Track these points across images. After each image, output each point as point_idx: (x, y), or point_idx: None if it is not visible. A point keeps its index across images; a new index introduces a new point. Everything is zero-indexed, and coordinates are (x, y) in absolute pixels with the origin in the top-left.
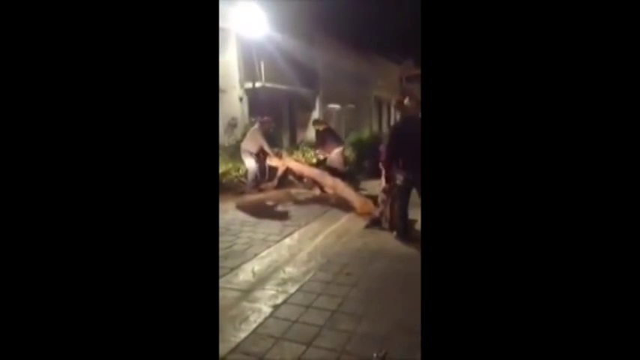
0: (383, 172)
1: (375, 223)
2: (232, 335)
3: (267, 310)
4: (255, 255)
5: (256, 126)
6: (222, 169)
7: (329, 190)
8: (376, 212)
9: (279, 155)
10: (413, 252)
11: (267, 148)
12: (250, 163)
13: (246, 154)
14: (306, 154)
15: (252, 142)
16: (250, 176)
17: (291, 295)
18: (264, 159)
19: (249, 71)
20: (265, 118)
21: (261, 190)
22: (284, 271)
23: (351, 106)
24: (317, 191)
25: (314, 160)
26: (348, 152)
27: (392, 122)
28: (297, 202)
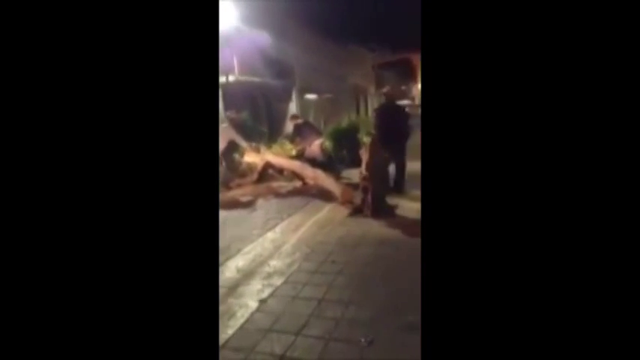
0: (363, 160)
1: (357, 211)
2: (221, 332)
3: (253, 304)
4: (239, 251)
5: (225, 124)
6: None
7: (310, 182)
8: (358, 200)
9: (256, 150)
10: (396, 236)
11: (241, 142)
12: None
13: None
14: (284, 147)
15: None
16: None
17: (278, 287)
18: (232, 155)
19: (222, 65)
20: (229, 112)
21: (230, 188)
22: (269, 265)
23: (328, 95)
24: (298, 183)
25: (293, 152)
26: (327, 142)
27: (369, 110)
28: (279, 194)
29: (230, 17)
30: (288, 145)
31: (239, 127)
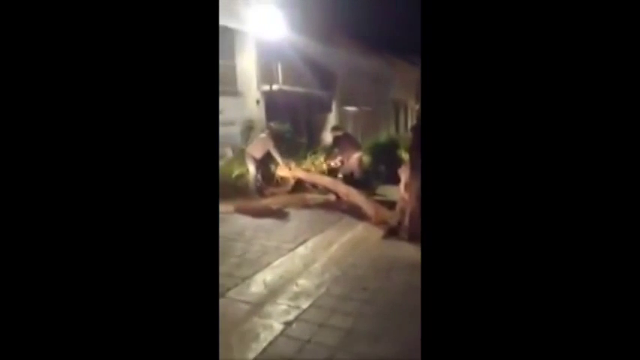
0: (402, 179)
1: (392, 233)
2: (242, 355)
3: (278, 327)
4: (268, 264)
5: (264, 133)
6: (237, 171)
7: (343, 197)
8: (393, 221)
9: (288, 166)
10: None
11: (276, 155)
12: (252, 169)
13: (249, 158)
14: (315, 162)
15: (257, 148)
16: (251, 181)
17: (304, 311)
18: (268, 165)
19: (266, 74)
20: (272, 123)
21: (264, 196)
22: (297, 284)
23: (368, 108)
24: (332, 196)
25: (324, 167)
26: (365, 157)
27: (409, 125)
28: (311, 206)
29: (278, 27)
30: (320, 160)
31: (278, 138)
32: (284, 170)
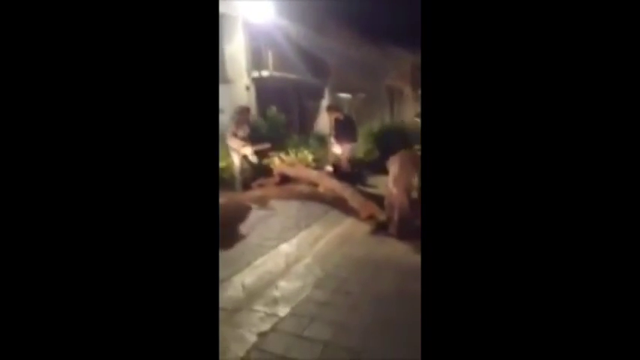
0: (390, 171)
1: (380, 229)
2: None
3: (251, 338)
4: (248, 264)
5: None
6: (223, 163)
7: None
8: (382, 216)
9: (274, 158)
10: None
11: (260, 147)
12: (235, 161)
13: (233, 150)
14: (299, 155)
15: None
16: (236, 174)
17: (281, 319)
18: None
19: (256, 60)
20: (239, 107)
21: (250, 188)
22: (277, 287)
23: (362, 95)
24: (320, 188)
25: (310, 160)
26: (358, 147)
27: (403, 113)
28: (299, 198)
29: (267, 12)
30: (304, 153)
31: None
32: (271, 162)
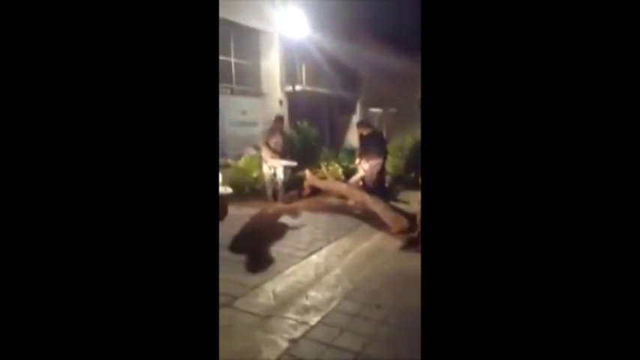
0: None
1: (412, 244)
2: None
3: (283, 344)
4: (279, 272)
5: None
6: (255, 173)
7: (358, 205)
8: (413, 232)
9: (306, 172)
10: None
11: (290, 162)
12: (267, 172)
13: (264, 162)
14: (330, 168)
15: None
16: (267, 186)
17: (312, 327)
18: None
19: (290, 74)
20: (297, 126)
21: (279, 199)
22: (307, 296)
23: (393, 110)
24: (350, 201)
25: (339, 172)
26: (388, 162)
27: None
28: (328, 211)
29: (303, 26)
30: (335, 166)
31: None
32: (302, 174)
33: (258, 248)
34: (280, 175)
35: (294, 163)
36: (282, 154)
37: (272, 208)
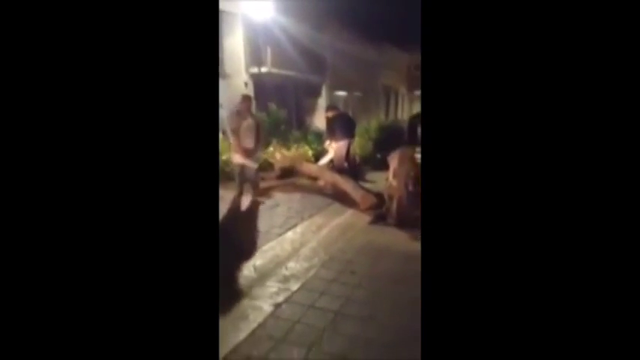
0: (390, 166)
1: (379, 219)
2: (231, 335)
3: (268, 308)
4: (257, 249)
5: (249, 120)
6: (225, 156)
7: (329, 185)
8: (381, 208)
9: (276, 152)
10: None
11: (261, 142)
12: (237, 158)
13: (234, 146)
14: (299, 149)
15: (243, 135)
16: (237, 171)
17: (293, 293)
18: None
19: (255, 56)
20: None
21: (250, 181)
22: (286, 267)
23: (358, 94)
24: (321, 182)
25: (309, 154)
26: (355, 144)
27: (399, 111)
28: (301, 191)
29: (267, 9)
30: (305, 148)
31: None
32: (272, 156)
33: (237, 230)
34: (252, 166)
35: (255, 165)
36: (256, 143)
37: (245, 189)
